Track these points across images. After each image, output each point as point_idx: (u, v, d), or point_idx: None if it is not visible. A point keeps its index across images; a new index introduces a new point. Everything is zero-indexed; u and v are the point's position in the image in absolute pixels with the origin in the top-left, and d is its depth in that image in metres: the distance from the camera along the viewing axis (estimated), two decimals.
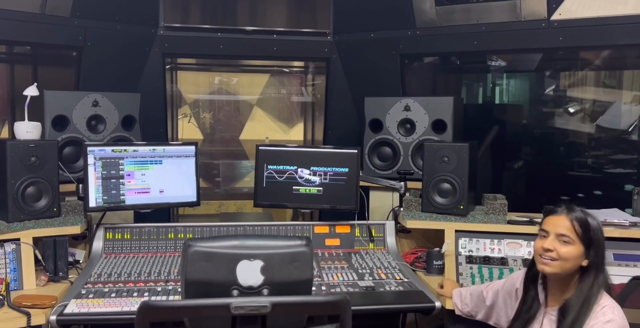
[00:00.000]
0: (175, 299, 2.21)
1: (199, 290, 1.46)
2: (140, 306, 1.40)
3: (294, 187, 2.87)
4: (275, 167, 2.88)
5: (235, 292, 1.45)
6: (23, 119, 2.67)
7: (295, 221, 3.69)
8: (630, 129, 3.62)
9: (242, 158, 4.91)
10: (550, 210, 1.83)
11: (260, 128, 4.96)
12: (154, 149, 2.76)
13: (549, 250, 1.75)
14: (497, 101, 4.10)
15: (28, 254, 2.45)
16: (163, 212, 3.40)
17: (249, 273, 1.46)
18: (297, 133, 4.90)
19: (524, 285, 1.92)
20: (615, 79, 3.79)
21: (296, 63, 4.64)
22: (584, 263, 1.75)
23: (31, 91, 2.64)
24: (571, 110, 3.84)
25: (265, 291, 1.46)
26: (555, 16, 2.98)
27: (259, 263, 1.47)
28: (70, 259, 2.61)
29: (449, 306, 2.28)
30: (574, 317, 1.71)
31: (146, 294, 2.28)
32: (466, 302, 2.20)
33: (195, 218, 4.23)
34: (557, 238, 1.75)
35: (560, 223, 1.76)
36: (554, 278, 1.80)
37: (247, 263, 1.46)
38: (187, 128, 4.56)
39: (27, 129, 2.59)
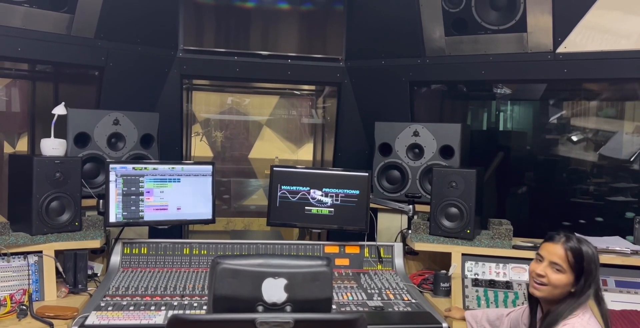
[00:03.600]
0: (192, 313, 2.29)
1: (226, 305, 1.54)
2: (171, 319, 1.49)
3: (306, 207, 2.97)
4: (288, 187, 2.98)
5: (260, 308, 1.54)
6: (45, 135, 2.77)
7: (301, 240, 3.77)
8: (632, 159, 3.73)
9: (250, 176, 5.02)
10: (549, 236, 1.92)
11: (269, 147, 5.08)
12: (172, 168, 2.87)
13: (540, 276, 1.86)
14: (501, 128, 4.22)
15: (50, 266, 2.54)
16: (175, 228, 3.48)
17: (274, 290, 1.55)
18: (305, 153, 5.02)
19: (530, 308, 2.02)
20: (617, 110, 3.91)
21: (306, 86, 4.78)
22: (572, 289, 1.84)
23: (59, 109, 2.75)
24: (574, 138, 3.95)
25: (288, 308, 1.55)
26: (561, 49, 3.10)
27: (282, 281, 1.55)
28: (89, 272, 2.69)
29: (455, 327, 2.36)
30: None
31: (163, 308, 2.36)
32: (482, 323, 2.28)
33: (205, 235, 4.30)
34: (550, 265, 1.86)
35: (555, 251, 1.85)
36: (545, 301, 1.91)
37: (272, 280, 1.55)
38: (199, 146, 4.67)
39: (53, 146, 2.69)
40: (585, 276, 1.82)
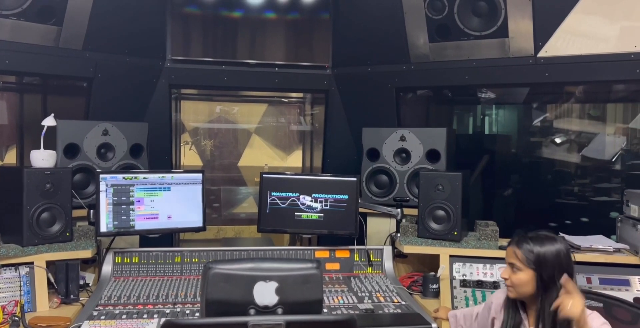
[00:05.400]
0: None
1: (219, 309, 1.57)
2: (164, 324, 1.51)
3: (296, 213, 3.00)
4: (278, 194, 3.01)
5: (252, 311, 1.57)
6: (34, 147, 2.78)
7: (292, 245, 3.80)
8: (613, 160, 3.81)
9: (240, 184, 5.05)
10: (509, 242, 2.01)
11: (259, 155, 5.12)
12: (162, 177, 2.89)
13: (505, 279, 1.96)
14: (486, 132, 4.29)
15: (41, 277, 2.55)
16: (166, 236, 3.50)
17: (265, 293, 1.58)
18: (294, 159, 5.06)
19: (506, 311, 2.03)
20: (600, 111, 4.00)
21: (294, 93, 4.83)
22: (537, 286, 1.89)
23: (49, 121, 2.77)
24: (557, 140, 4.03)
25: (279, 310, 1.58)
26: (542, 53, 3.17)
27: (274, 284, 1.59)
28: (80, 282, 2.70)
29: (444, 327, 2.41)
30: None
31: (155, 316, 2.38)
32: (460, 323, 2.33)
33: (195, 243, 4.32)
34: (509, 267, 1.96)
35: (509, 253, 1.96)
36: (525, 300, 1.96)
37: (263, 284, 1.58)
38: (188, 155, 4.70)
39: (43, 157, 2.71)
40: (545, 269, 1.87)
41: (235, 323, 1.51)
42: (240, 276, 1.58)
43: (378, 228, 3.32)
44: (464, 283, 2.72)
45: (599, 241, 2.85)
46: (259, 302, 1.58)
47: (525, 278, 1.90)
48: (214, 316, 1.57)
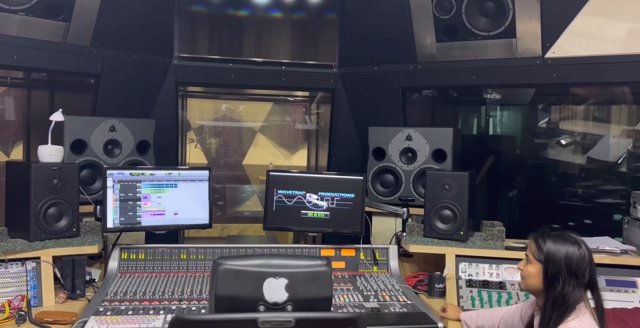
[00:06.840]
0: None
1: (228, 305, 1.57)
2: (173, 320, 1.51)
3: (302, 211, 3.00)
4: (284, 192, 3.02)
5: (261, 308, 1.57)
6: (41, 143, 2.78)
7: (296, 244, 3.81)
8: (619, 162, 3.80)
9: (245, 182, 5.05)
10: None
11: (263, 154, 5.12)
12: (169, 173, 2.90)
13: (520, 269, 2.04)
14: (491, 132, 4.29)
15: (48, 272, 2.55)
16: (171, 233, 3.50)
17: (275, 290, 1.58)
18: (298, 159, 5.06)
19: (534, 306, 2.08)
20: (605, 113, 4.00)
21: (300, 92, 4.83)
22: (542, 282, 1.92)
23: (57, 116, 2.77)
24: (563, 142, 4.03)
25: (289, 307, 1.58)
26: (549, 54, 3.17)
27: (283, 281, 1.59)
28: (87, 277, 2.71)
29: (451, 327, 2.40)
30: None
31: (161, 312, 2.38)
32: (478, 323, 2.32)
33: (200, 240, 4.33)
34: (525, 259, 2.03)
35: (528, 245, 2.03)
36: (536, 295, 2.01)
37: (273, 280, 1.58)
38: (194, 152, 4.70)
39: (50, 153, 2.71)
40: (551, 266, 1.88)
41: (245, 319, 1.51)
42: (250, 272, 1.58)
43: (383, 227, 3.32)
44: (470, 283, 2.71)
45: (605, 242, 2.84)
46: (268, 298, 1.57)
47: (532, 271, 1.95)
48: (223, 312, 1.57)
